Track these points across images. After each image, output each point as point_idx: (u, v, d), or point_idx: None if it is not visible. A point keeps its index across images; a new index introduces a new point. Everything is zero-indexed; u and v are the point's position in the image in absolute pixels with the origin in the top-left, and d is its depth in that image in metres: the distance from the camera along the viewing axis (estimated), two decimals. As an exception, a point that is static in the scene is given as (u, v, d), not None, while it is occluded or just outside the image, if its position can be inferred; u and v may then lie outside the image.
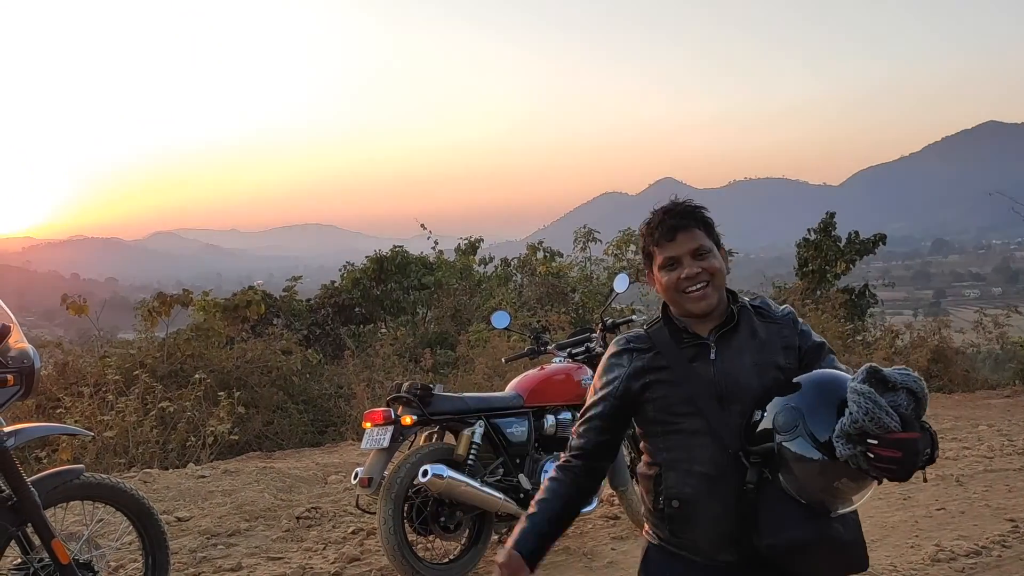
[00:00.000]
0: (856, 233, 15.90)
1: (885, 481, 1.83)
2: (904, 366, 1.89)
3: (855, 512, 1.93)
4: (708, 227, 2.08)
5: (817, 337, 2.11)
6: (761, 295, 2.19)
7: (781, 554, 1.90)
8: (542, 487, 2.19)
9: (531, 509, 2.14)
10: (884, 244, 16.35)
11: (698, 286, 2.02)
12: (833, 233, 15.75)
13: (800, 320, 2.13)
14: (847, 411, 1.78)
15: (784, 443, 1.86)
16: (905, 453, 1.73)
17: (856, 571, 1.95)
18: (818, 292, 14.80)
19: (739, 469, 1.94)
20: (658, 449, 2.08)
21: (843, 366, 2.07)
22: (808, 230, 16.09)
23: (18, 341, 3.22)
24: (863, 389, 1.77)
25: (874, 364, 1.84)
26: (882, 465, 1.75)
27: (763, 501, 1.90)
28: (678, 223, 2.05)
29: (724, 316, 2.06)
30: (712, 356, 2.03)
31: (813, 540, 1.87)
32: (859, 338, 13.75)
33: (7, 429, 3.24)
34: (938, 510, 5.56)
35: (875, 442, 1.73)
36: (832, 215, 16.11)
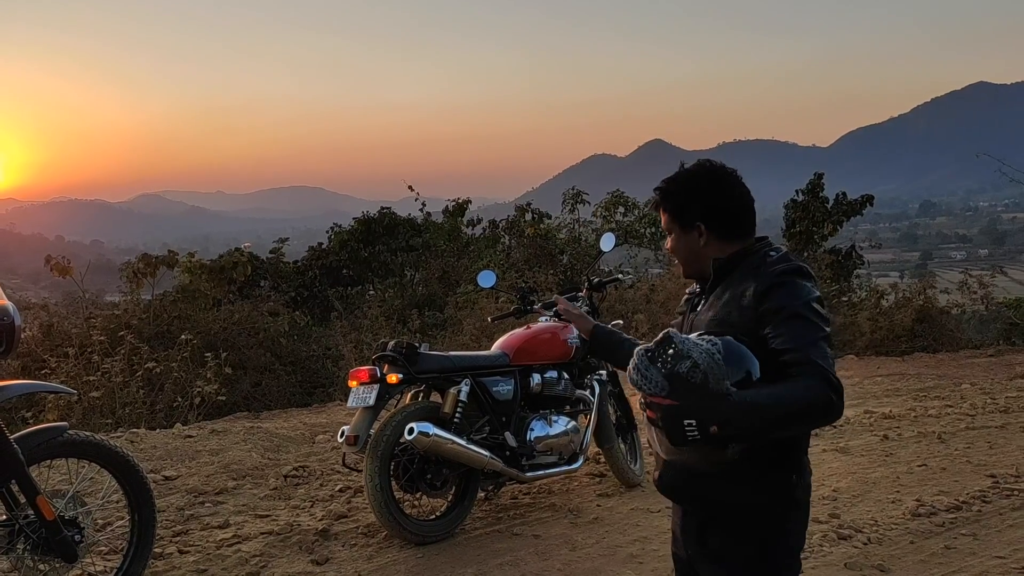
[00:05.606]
0: (843, 194, 15.88)
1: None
2: (712, 337, 1.89)
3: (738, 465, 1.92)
4: (676, 205, 2.18)
5: (785, 301, 1.96)
6: (783, 248, 2.17)
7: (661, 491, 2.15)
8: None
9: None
10: (871, 206, 16.36)
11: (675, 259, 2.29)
12: (821, 194, 15.73)
13: (791, 282, 1.99)
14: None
15: None
16: (660, 416, 1.85)
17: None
18: (805, 253, 14.81)
19: None
20: None
21: (808, 331, 1.91)
22: (796, 191, 16.05)
23: (-3, 298, 3.18)
24: (640, 352, 1.91)
25: (671, 330, 1.91)
26: (650, 421, 1.91)
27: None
28: (658, 201, 2.24)
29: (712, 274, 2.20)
30: (697, 309, 2.20)
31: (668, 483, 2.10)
32: (844, 299, 13.82)
33: (-11, 387, 3.22)
34: (919, 466, 5.63)
35: (642, 401, 1.92)
36: (820, 176, 16.02)
